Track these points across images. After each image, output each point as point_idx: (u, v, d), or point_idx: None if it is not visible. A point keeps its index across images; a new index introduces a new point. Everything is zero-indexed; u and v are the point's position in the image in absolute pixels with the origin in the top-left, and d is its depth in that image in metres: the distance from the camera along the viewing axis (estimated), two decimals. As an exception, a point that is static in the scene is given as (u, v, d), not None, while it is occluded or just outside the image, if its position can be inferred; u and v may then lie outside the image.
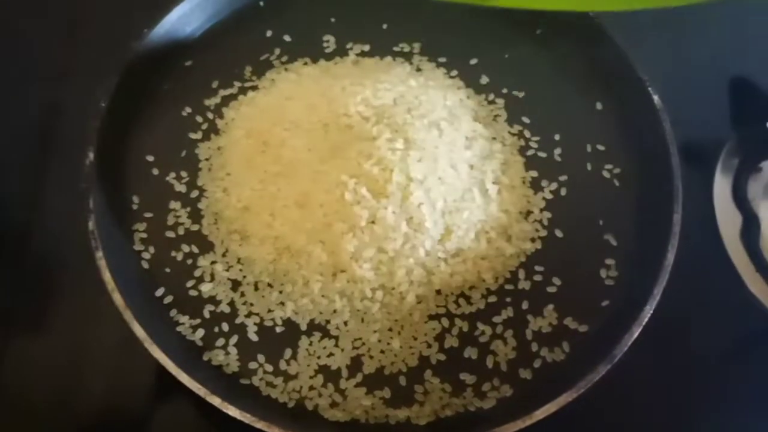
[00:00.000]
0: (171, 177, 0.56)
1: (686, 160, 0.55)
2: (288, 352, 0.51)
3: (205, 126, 0.58)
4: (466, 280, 0.53)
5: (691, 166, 0.56)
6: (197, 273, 0.53)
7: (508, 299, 0.53)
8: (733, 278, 0.56)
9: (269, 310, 0.52)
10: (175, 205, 0.55)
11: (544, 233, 0.55)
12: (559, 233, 0.55)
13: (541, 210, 0.56)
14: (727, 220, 0.58)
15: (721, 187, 0.59)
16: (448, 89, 0.60)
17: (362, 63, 0.61)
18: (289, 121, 0.55)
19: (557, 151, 0.58)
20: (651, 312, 0.49)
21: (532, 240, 0.55)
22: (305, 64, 0.61)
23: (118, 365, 0.52)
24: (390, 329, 0.51)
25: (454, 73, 0.61)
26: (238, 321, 0.51)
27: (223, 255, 0.54)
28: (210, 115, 0.59)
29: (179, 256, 0.53)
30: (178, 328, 0.51)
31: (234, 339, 0.51)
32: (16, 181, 0.59)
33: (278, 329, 0.51)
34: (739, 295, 0.55)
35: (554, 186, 0.57)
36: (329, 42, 0.62)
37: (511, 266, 0.54)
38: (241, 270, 0.53)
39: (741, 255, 0.56)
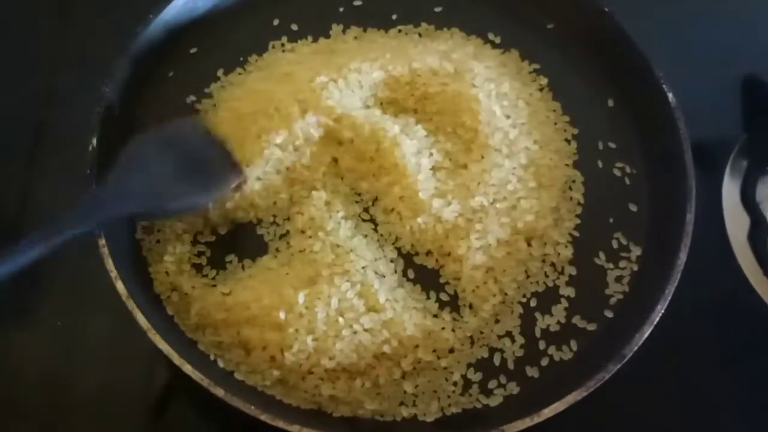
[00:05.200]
0: (174, 165, 0.55)
1: (695, 161, 0.54)
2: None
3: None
4: (494, 306, 0.51)
5: (700, 167, 0.56)
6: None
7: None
8: (741, 281, 0.55)
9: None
10: (178, 193, 0.54)
11: (555, 231, 0.55)
12: (568, 231, 0.54)
13: (552, 208, 0.55)
14: (736, 222, 0.57)
15: (730, 188, 0.59)
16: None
17: (365, 36, 0.61)
18: (273, 108, 0.54)
19: (568, 148, 0.58)
20: (662, 312, 0.48)
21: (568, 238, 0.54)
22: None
23: (120, 355, 0.52)
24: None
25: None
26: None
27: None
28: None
29: (182, 245, 0.52)
30: (181, 318, 0.50)
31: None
32: (19, 167, 0.58)
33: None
34: (746, 298, 0.55)
35: (565, 183, 0.56)
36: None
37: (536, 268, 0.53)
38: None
39: (748, 257, 0.56)
